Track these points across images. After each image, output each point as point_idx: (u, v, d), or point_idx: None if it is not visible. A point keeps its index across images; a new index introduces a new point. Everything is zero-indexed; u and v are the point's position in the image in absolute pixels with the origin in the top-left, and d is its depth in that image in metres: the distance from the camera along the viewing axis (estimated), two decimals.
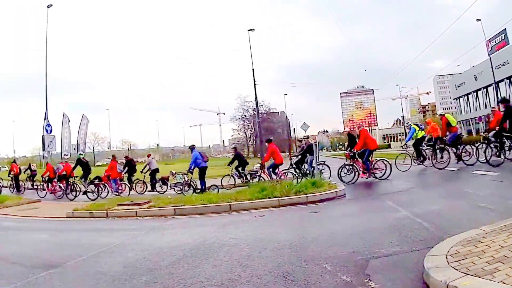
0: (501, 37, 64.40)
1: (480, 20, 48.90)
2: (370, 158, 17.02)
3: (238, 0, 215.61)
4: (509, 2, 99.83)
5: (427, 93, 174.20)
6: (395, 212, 9.28)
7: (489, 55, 63.41)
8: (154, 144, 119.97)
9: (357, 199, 13.04)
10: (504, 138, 15.23)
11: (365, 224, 8.59)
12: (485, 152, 16.04)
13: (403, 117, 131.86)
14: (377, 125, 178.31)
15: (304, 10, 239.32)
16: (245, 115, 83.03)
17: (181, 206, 13.40)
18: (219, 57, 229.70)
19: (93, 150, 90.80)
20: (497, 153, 15.44)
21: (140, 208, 13.80)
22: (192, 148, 20.12)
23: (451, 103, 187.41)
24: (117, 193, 20.97)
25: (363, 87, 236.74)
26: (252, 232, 9.01)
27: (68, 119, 44.05)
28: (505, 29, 64.08)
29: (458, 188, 12.12)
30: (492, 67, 48.32)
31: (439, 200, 10.31)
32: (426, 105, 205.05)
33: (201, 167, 18.81)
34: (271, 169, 19.12)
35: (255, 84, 46.86)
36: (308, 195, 12.81)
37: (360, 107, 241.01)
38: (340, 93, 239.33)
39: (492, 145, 15.76)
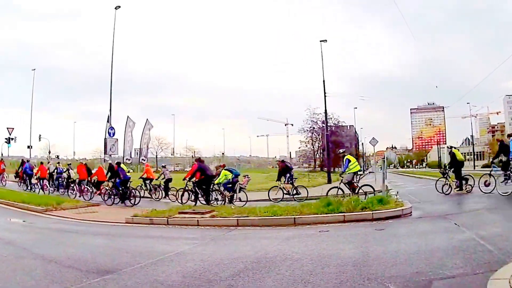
0: None
1: None
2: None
3: (310, 11, 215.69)
4: None
5: (497, 113, 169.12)
6: (460, 233, 9.66)
7: None
8: (219, 153, 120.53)
9: (423, 218, 13.21)
10: None
11: (430, 244, 8.77)
12: None
13: (472, 136, 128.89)
14: (445, 144, 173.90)
15: (378, 23, 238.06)
16: (313, 127, 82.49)
17: (245, 216, 13.84)
18: (289, 67, 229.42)
19: (156, 155, 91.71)
20: None
21: (202, 217, 14.32)
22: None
23: None
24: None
25: (433, 103, 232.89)
26: (316, 247, 9.24)
27: (133, 123, 45.12)
28: None
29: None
30: None
31: (505, 224, 10.82)
32: (496, 125, 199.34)
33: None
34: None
35: (325, 96, 47.39)
36: (374, 212, 13.23)
37: (430, 124, 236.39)
38: (411, 109, 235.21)
39: None
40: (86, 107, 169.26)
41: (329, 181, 40.36)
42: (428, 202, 17.31)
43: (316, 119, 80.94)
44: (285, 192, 21.53)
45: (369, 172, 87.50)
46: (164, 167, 26.47)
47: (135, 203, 21.81)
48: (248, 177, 21.95)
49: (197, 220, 13.95)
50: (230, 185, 20.17)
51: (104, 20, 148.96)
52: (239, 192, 20.40)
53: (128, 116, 45.40)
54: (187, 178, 20.75)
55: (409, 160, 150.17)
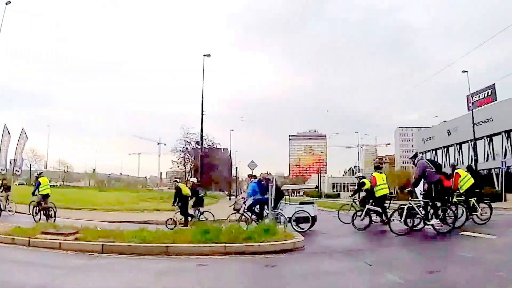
0: (488, 92, 66.83)
1: (466, 71, 49.20)
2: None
3: (196, 30, 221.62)
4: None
5: (386, 145, 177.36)
6: (379, 276, 8.38)
7: (469, 110, 64.62)
8: (90, 169, 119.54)
9: (322, 254, 11.97)
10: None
11: None
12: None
13: (355, 166, 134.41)
14: (326, 173, 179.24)
15: (269, 48, 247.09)
16: (186, 148, 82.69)
17: (111, 242, 12.24)
18: (166, 84, 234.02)
19: (30, 168, 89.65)
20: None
21: (65, 240, 12.55)
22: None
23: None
24: None
25: (315, 131, 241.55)
26: None
27: (8, 132, 42.36)
28: (493, 84, 66.12)
29: (448, 249, 11.65)
30: (473, 123, 48.65)
31: (433, 264, 9.44)
32: (384, 156, 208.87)
33: None
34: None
35: (202, 114, 46.08)
36: (260, 243, 11.67)
37: (310, 152, 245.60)
38: (289, 136, 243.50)
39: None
40: None
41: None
42: (322, 234, 16.00)
43: (190, 139, 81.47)
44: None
45: (242, 198, 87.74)
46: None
47: None
48: None
49: (59, 243, 12.35)
50: None
51: None
52: None
53: (5, 124, 42.73)
54: None
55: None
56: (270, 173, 20.14)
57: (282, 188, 19.50)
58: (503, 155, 62.44)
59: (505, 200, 45.55)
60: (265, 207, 17.43)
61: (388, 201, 18.77)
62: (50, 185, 21.23)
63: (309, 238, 14.22)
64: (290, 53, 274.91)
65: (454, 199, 16.00)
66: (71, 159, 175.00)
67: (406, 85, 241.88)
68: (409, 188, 15.48)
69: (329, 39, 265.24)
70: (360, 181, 19.64)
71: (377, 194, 17.53)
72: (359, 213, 17.51)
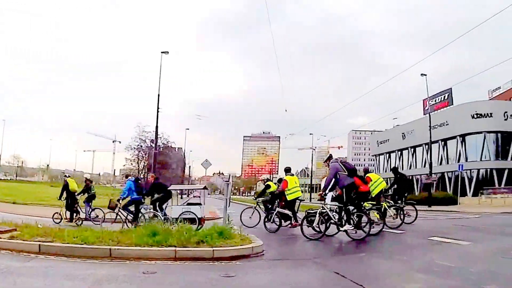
0: (444, 96, 67.91)
1: (425, 75, 49.28)
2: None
3: (157, 27, 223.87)
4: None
5: (338, 147, 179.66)
6: None
7: (425, 113, 66.02)
8: (44, 164, 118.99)
9: (283, 261, 10.75)
10: None
11: None
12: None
13: (306, 168, 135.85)
14: (277, 173, 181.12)
15: (230, 50, 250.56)
16: (141, 146, 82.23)
17: (49, 241, 10.97)
18: (127, 83, 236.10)
19: None
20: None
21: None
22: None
23: (364, 160, 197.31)
24: None
25: (269, 133, 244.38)
26: None
27: None
28: (450, 88, 67.36)
29: (424, 257, 10.60)
30: (430, 127, 48.71)
31: (414, 275, 8.42)
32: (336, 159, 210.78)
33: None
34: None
35: (158, 111, 44.73)
36: (215, 248, 10.42)
37: (263, 153, 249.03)
38: (244, 137, 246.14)
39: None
40: None
41: None
42: (281, 239, 14.74)
43: (145, 137, 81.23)
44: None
45: (194, 197, 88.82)
46: None
47: None
48: None
49: None
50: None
51: None
52: None
53: None
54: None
55: (236, 187, 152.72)
56: (223, 173, 19.52)
57: (169, 188, 18.96)
58: (457, 159, 63.14)
59: (458, 203, 46.15)
60: (156, 207, 17.39)
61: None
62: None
63: (269, 243, 12.99)
64: (248, 55, 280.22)
65: (365, 204, 15.53)
66: (25, 154, 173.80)
67: (361, 89, 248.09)
68: (320, 192, 14.55)
69: (286, 42, 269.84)
70: (266, 184, 19.68)
71: (289, 198, 17.13)
72: (269, 216, 17.42)
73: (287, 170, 18.11)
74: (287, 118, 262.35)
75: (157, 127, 46.86)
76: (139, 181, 18.09)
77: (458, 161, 62.31)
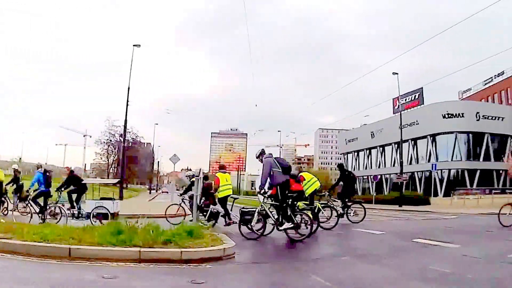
0: (415, 96, 68.33)
1: (397, 73, 49.33)
2: None
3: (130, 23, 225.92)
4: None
5: (305, 146, 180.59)
6: None
7: (394, 112, 67.49)
8: (16, 157, 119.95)
9: (259, 265, 9.77)
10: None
11: None
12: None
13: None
14: (245, 170, 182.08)
15: (204, 48, 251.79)
16: (110, 140, 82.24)
17: (7, 239, 10.08)
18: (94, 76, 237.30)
19: None
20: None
21: None
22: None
23: (331, 158, 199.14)
24: None
25: (236, 130, 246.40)
26: None
27: None
28: (421, 88, 68.32)
29: (415, 262, 9.72)
30: (401, 126, 48.50)
31: (410, 284, 7.62)
32: (303, 157, 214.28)
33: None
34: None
35: (127, 104, 45.63)
36: (183, 249, 9.36)
37: (230, 150, 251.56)
38: (212, 133, 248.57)
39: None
40: None
41: (121, 198, 38.98)
42: (254, 239, 13.30)
43: (114, 132, 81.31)
44: None
45: (162, 192, 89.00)
46: None
47: None
48: None
49: None
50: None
51: None
52: None
53: None
54: None
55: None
56: (190, 169, 18.76)
57: (84, 182, 18.76)
58: (427, 158, 63.20)
59: (429, 203, 46.87)
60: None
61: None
62: None
63: (241, 243, 11.86)
64: (222, 54, 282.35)
65: (299, 204, 15.06)
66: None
67: (331, 88, 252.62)
68: (258, 190, 14.01)
69: (260, 42, 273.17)
70: (191, 180, 18.61)
71: (220, 195, 16.74)
72: (204, 213, 17.15)
73: (222, 167, 18.03)
74: (257, 117, 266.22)
75: (126, 121, 47.16)
76: (48, 174, 17.72)
77: (429, 161, 62.97)
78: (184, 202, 19.18)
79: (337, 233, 15.52)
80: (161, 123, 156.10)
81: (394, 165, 70.16)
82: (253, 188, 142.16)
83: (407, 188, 59.20)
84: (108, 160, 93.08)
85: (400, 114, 51.24)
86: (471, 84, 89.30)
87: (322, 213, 16.49)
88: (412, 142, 67.84)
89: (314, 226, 13.55)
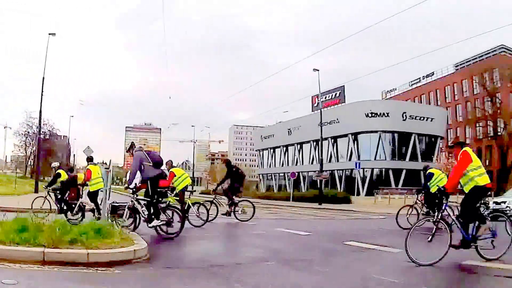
0: (336, 93, 69.48)
1: (318, 70, 48.66)
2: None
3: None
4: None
5: (219, 142, 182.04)
6: None
7: (313, 110, 68.80)
8: None
9: (174, 270, 8.30)
10: None
11: None
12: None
13: (187, 160, 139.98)
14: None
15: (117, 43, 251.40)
16: (28, 132, 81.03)
17: None
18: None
19: None
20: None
21: None
22: None
23: (245, 154, 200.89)
24: None
25: (150, 124, 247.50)
26: None
27: None
28: (343, 86, 69.15)
29: (354, 269, 8.61)
30: (321, 123, 48.26)
31: None
32: (216, 153, 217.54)
33: None
34: None
35: (42, 95, 43.89)
36: (90, 251, 8.07)
37: (144, 144, 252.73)
38: (126, 127, 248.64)
39: None
40: None
41: (36, 191, 38.19)
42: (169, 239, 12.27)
43: (32, 123, 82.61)
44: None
45: None
46: None
47: None
48: None
49: None
50: None
51: None
52: None
53: None
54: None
55: (118, 177, 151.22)
56: (106, 163, 17.85)
57: None
58: (348, 157, 63.64)
59: (351, 202, 47.05)
60: None
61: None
62: None
63: (153, 244, 10.80)
64: (137, 47, 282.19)
65: (171, 200, 14.75)
66: None
67: (246, 85, 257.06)
68: (126, 185, 13.71)
69: (176, 36, 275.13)
70: (56, 172, 18.05)
71: (91, 189, 16.12)
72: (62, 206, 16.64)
73: (90, 159, 17.38)
74: (172, 111, 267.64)
75: (40, 112, 46.26)
76: None
77: (350, 160, 63.85)
78: (49, 195, 18.06)
79: (257, 233, 14.70)
80: (78, 116, 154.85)
81: (312, 163, 70.92)
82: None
83: (326, 186, 59.34)
84: (26, 152, 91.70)
85: (321, 112, 51.07)
86: (396, 85, 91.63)
87: (204, 210, 16.27)
88: (332, 140, 68.41)
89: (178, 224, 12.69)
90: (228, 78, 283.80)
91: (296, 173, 64.70)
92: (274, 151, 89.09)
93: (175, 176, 15.96)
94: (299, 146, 79.17)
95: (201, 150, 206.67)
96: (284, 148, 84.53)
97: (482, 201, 10.26)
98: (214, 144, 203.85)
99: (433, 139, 66.46)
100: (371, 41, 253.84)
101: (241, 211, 18.07)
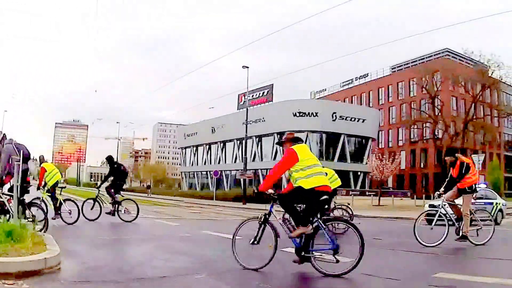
0: (264, 92, 69.44)
1: (247, 67, 47.61)
2: None
3: None
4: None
5: (143, 139, 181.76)
6: None
7: (238, 108, 69.08)
8: None
9: (89, 284, 6.32)
10: None
11: None
12: None
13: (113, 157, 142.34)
14: (85, 162, 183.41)
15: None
16: None
17: None
18: None
19: None
20: None
21: None
22: None
23: (169, 152, 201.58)
24: None
25: (78, 121, 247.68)
26: None
27: None
28: (272, 85, 69.06)
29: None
30: (246, 122, 47.63)
31: None
32: (140, 150, 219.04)
33: None
34: None
35: None
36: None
37: (72, 141, 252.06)
38: (56, 123, 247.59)
39: None
40: None
41: None
42: (82, 237, 11.66)
43: None
44: None
45: None
46: None
47: None
48: None
49: None
50: None
51: None
52: None
53: None
54: None
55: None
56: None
57: None
58: (273, 156, 63.31)
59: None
60: None
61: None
62: None
63: (70, 246, 9.40)
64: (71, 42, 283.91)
65: (43, 195, 15.02)
66: None
67: (167, 82, 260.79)
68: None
69: (106, 31, 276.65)
70: None
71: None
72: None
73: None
74: (99, 108, 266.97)
75: None
76: None
77: (274, 159, 63.31)
78: None
79: (181, 236, 13.70)
80: (12, 111, 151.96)
81: (235, 162, 70.82)
82: (91, 179, 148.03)
83: (250, 185, 58.83)
84: None
85: (247, 110, 50.48)
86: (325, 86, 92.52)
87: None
88: (257, 139, 68.38)
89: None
90: (159, 78, 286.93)
91: (219, 172, 64.05)
92: (197, 149, 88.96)
93: (46, 171, 15.50)
94: (222, 144, 79.13)
95: (126, 148, 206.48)
96: (207, 147, 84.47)
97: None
98: (138, 141, 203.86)
99: (363, 140, 67.20)
100: (303, 41, 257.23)
101: (124, 210, 17.41)
